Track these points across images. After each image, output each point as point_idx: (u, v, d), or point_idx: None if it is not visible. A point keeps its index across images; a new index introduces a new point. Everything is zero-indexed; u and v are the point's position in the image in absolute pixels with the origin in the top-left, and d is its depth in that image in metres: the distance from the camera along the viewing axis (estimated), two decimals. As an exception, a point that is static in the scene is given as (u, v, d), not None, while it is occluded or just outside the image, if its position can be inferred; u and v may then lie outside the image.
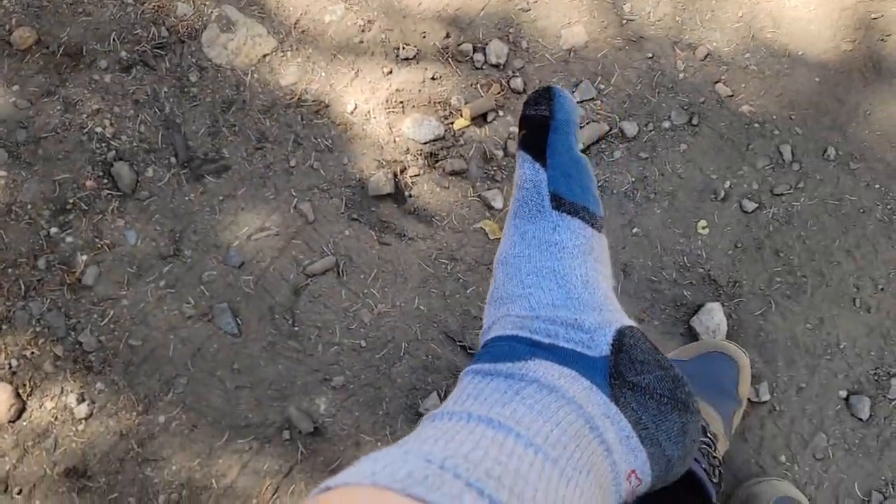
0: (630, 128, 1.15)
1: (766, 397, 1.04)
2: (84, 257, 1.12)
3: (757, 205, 1.11)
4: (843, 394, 1.05)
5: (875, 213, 1.11)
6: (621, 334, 0.49)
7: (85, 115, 1.16)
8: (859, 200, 1.11)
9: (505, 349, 0.44)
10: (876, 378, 1.06)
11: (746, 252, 1.10)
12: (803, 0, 1.19)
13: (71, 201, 1.13)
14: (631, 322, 0.52)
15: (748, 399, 1.03)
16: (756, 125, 1.14)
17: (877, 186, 1.12)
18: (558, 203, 0.48)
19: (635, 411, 0.45)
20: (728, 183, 1.12)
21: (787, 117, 1.14)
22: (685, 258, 1.10)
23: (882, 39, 1.17)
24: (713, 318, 1.04)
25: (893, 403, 1.05)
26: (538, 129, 0.49)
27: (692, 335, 1.06)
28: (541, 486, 0.35)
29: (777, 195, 1.12)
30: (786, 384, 1.05)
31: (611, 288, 0.54)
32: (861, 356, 1.06)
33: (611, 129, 1.16)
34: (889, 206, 1.11)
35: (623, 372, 0.46)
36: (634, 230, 1.11)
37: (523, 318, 0.46)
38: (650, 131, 1.15)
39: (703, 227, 1.10)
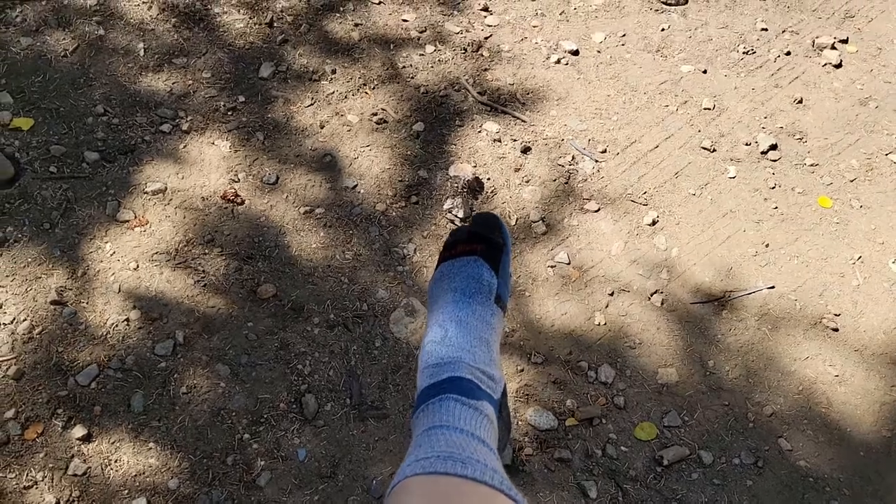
0: (707, 456, 1.43)
1: None
2: (262, 462, 1.41)
3: (810, 546, 1.33)
4: None
5: (912, 578, 1.31)
6: (504, 386, 0.77)
7: (293, 355, 1.53)
8: (898, 563, 1.32)
9: (469, 387, 0.71)
10: None
11: (800, 586, 1.30)
12: (852, 389, 1.52)
13: (265, 416, 1.46)
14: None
15: None
16: (811, 479, 1.41)
17: (913, 554, 1.33)
18: (497, 300, 0.79)
19: (500, 431, 0.72)
20: (786, 522, 1.36)
21: (837, 479, 1.41)
22: (747, 579, 1.30)
23: (915, 432, 1.47)
24: None
25: None
26: (496, 250, 0.81)
27: None
28: (499, 469, 0.61)
29: (827, 542, 1.34)
30: None
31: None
32: None
33: (691, 454, 1.44)
34: (924, 575, 1.31)
35: (500, 409, 0.73)
36: (705, 544, 1.34)
37: (472, 367, 0.73)
38: (723, 463, 1.43)
39: (764, 556, 1.32)
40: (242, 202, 1.72)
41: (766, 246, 1.76)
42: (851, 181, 1.89)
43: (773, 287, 1.68)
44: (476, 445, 0.64)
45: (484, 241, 0.81)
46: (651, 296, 1.66)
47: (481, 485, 0.56)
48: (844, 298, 1.67)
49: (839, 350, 1.58)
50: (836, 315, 1.63)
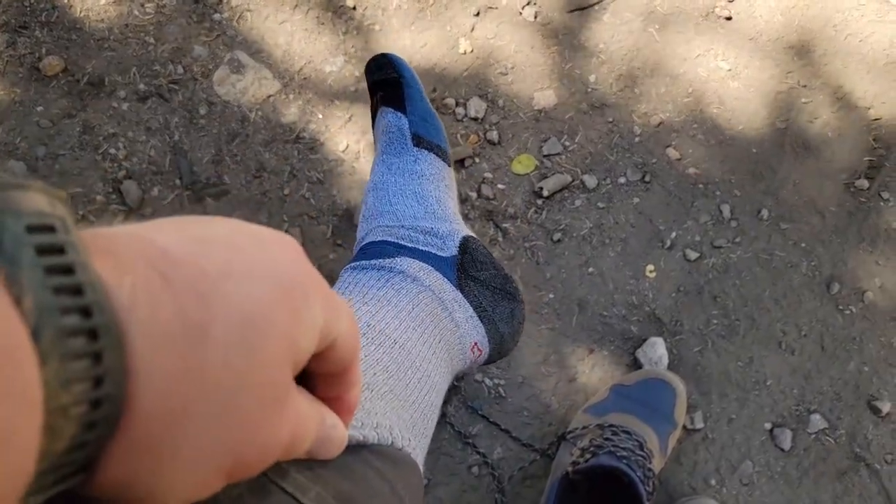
0: (590, 180, 1.29)
1: (700, 425, 1.15)
2: (87, 264, 1.21)
3: (698, 254, 1.25)
4: (769, 426, 1.17)
5: (800, 269, 1.25)
6: (466, 240, 0.62)
7: (101, 138, 1.27)
8: (787, 256, 1.26)
9: (377, 250, 0.57)
10: (797, 413, 1.18)
11: (688, 295, 1.23)
12: (744, 83, 1.36)
13: (80, 213, 1.23)
14: (472, 233, 0.66)
15: (684, 426, 1.14)
16: (700, 186, 1.30)
17: (802, 245, 1.27)
18: (418, 141, 0.62)
19: (476, 297, 0.58)
20: (674, 234, 1.27)
21: (728, 181, 1.30)
22: (634, 297, 1.23)
23: (810, 122, 1.34)
24: (656, 350, 1.16)
25: (812, 437, 1.17)
26: (393, 87, 0.63)
27: (637, 365, 1.18)
28: (406, 347, 0.47)
29: (716, 247, 1.26)
30: (718, 414, 1.17)
31: (457, 207, 0.67)
32: (785, 393, 1.19)
33: (573, 181, 1.30)
34: (812, 263, 1.26)
35: (467, 268, 0.59)
36: (590, 270, 1.24)
37: (391, 227, 0.58)
38: (608, 185, 1.30)
39: (651, 271, 1.24)
40: (-3, -43, 1.33)
41: (653, -68, 1.49)
42: None
43: (660, -20, 1.44)
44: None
45: (380, 87, 0.66)
46: (522, 9, 1.41)
47: None
48: (740, -18, 1.45)
49: (733, 41, 1.39)
50: (729, 1, 1.42)
